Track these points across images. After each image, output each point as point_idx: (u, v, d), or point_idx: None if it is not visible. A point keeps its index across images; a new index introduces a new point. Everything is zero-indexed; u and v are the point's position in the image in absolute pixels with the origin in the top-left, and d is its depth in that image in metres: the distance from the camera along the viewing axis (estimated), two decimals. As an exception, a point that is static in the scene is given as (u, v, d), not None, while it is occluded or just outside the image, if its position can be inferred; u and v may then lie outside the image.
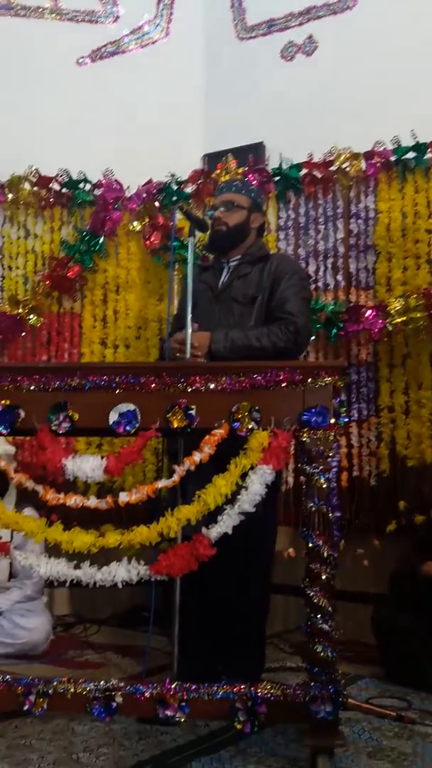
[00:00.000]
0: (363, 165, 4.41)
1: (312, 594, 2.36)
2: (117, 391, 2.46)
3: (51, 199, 4.82)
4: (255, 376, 2.43)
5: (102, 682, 2.39)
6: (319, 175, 4.51)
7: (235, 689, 2.36)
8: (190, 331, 3.01)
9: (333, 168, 4.47)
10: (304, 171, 4.54)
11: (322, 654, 2.34)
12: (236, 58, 5.28)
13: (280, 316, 3.20)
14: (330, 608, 2.35)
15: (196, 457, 2.43)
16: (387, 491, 4.23)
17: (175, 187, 4.75)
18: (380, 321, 4.15)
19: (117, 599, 4.66)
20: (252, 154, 4.69)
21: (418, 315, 4.08)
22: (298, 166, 4.55)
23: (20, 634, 3.74)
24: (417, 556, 3.57)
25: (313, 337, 4.32)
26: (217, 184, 4.19)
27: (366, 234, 4.40)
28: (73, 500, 2.44)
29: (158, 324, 4.67)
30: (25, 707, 2.37)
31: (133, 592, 4.52)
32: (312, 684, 2.33)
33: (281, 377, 2.43)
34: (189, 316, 3.01)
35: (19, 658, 3.70)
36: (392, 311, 4.14)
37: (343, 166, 4.45)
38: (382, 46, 4.66)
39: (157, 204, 4.74)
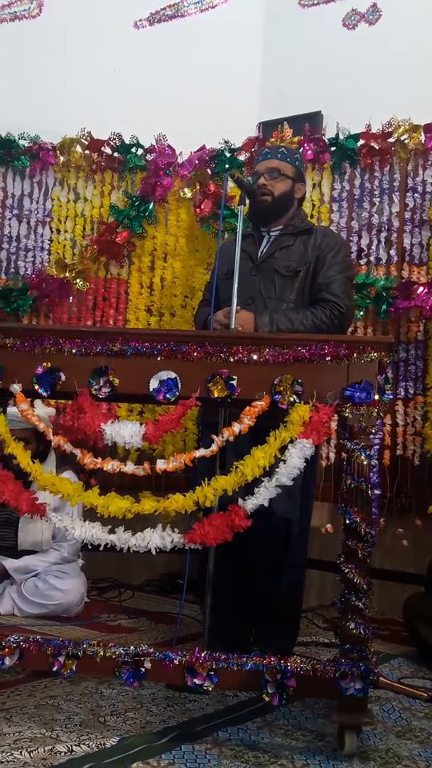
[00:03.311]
0: (422, 137, 4.27)
1: (347, 571, 2.33)
2: (159, 358, 2.44)
3: (102, 163, 4.77)
4: (299, 348, 2.39)
5: (131, 647, 2.39)
6: (376, 147, 4.38)
7: (264, 661, 2.35)
8: (234, 309, 2.96)
9: (391, 140, 4.35)
10: (361, 142, 4.42)
11: (354, 631, 2.31)
12: (297, 26, 5.18)
13: (325, 298, 3.16)
14: (365, 586, 2.32)
15: (236, 428, 2.40)
16: (431, 472, 4.17)
17: (228, 155, 4.66)
18: (432, 298, 4.07)
19: (153, 566, 4.69)
20: (308, 123, 4.59)
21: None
22: (356, 137, 4.43)
23: (55, 595, 3.78)
24: None
25: (361, 313, 4.26)
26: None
27: (422, 209, 4.29)
28: (111, 465, 2.44)
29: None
30: (54, 668, 2.39)
31: (169, 559, 4.56)
32: (343, 660, 2.31)
33: (326, 351, 2.38)
34: (235, 297, 2.96)
35: (53, 619, 3.74)
36: (445, 288, 4.05)
37: (402, 138, 4.32)
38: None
39: (209, 171, 4.67)
